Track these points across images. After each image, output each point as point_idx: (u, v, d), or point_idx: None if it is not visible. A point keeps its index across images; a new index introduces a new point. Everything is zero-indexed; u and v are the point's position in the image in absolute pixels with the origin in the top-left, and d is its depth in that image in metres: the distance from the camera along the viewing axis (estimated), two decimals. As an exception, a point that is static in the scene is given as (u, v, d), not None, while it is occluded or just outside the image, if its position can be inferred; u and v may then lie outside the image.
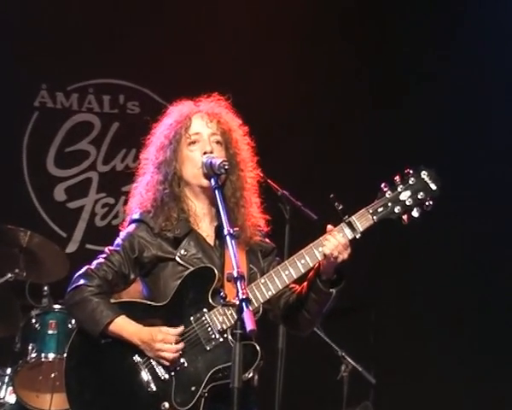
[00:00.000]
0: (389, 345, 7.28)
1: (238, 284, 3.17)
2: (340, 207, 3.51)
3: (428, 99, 7.23)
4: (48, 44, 7.23)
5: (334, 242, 3.50)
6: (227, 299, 3.30)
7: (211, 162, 3.61)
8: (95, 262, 3.68)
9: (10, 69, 7.07)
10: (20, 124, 7.28)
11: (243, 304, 3.12)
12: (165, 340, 3.49)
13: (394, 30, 7.51)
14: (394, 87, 7.41)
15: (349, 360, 6.12)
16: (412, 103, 7.28)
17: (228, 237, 3.33)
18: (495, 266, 6.93)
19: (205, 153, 3.68)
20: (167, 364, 3.50)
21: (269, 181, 4.88)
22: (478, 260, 6.96)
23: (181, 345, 3.50)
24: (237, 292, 3.16)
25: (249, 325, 3.05)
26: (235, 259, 3.24)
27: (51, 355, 5.85)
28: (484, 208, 7.00)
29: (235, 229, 3.38)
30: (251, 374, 3.47)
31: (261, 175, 3.89)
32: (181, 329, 3.52)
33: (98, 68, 7.37)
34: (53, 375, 5.79)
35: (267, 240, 3.83)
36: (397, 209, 3.55)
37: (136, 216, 3.72)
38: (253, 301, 3.48)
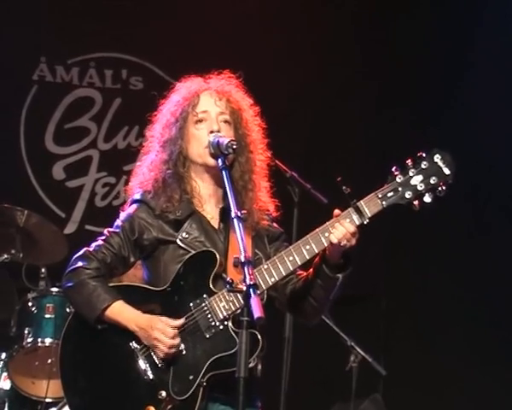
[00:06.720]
0: (400, 335, 7.30)
1: (245, 268, 3.15)
2: (348, 190, 3.47)
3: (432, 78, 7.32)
4: (47, 15, 7.23)
5: (342, 230, 3.47)
6: (233, 284, 3.28)
7: (218, 141, 3.60)
8: (94, 244, 3.70)
9: (7, 41, 7.06)
10: (17, 99, 7.28)
11: (250, 290, 3.08)
12: (163, 330, 3.49)
13: (398, 17, 7.56)
14: (399, 63, 7.49)
15: (358, 350, 6.13)
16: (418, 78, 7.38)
17: (235, 220, 3.30)
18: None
19: (211, 132, 3.67)
20: (161, 356, 3.51)
21: (277, 162, 4.88)
22: (492, 250, 6.96)
23: (177, 340, 3.49)
24: (244, 277, 3.13)
25: (257, 312, 3.01)
26: (242, 243, 3.21)
27: (48, 340, 5.91)
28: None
29: (242, 211, 3.37)
30: (252, 364, 3.46)
31: (269, 156, 3.88)
32: (182, 321, 3.52)
33: (100, 41, 7.38)
34: (49, 361, 5.84)
35: (275, 225, 3.83)
36: (407, 194, 3.50)
37: (136, 196, 3.73)
38: (256, 287, 3.48)
